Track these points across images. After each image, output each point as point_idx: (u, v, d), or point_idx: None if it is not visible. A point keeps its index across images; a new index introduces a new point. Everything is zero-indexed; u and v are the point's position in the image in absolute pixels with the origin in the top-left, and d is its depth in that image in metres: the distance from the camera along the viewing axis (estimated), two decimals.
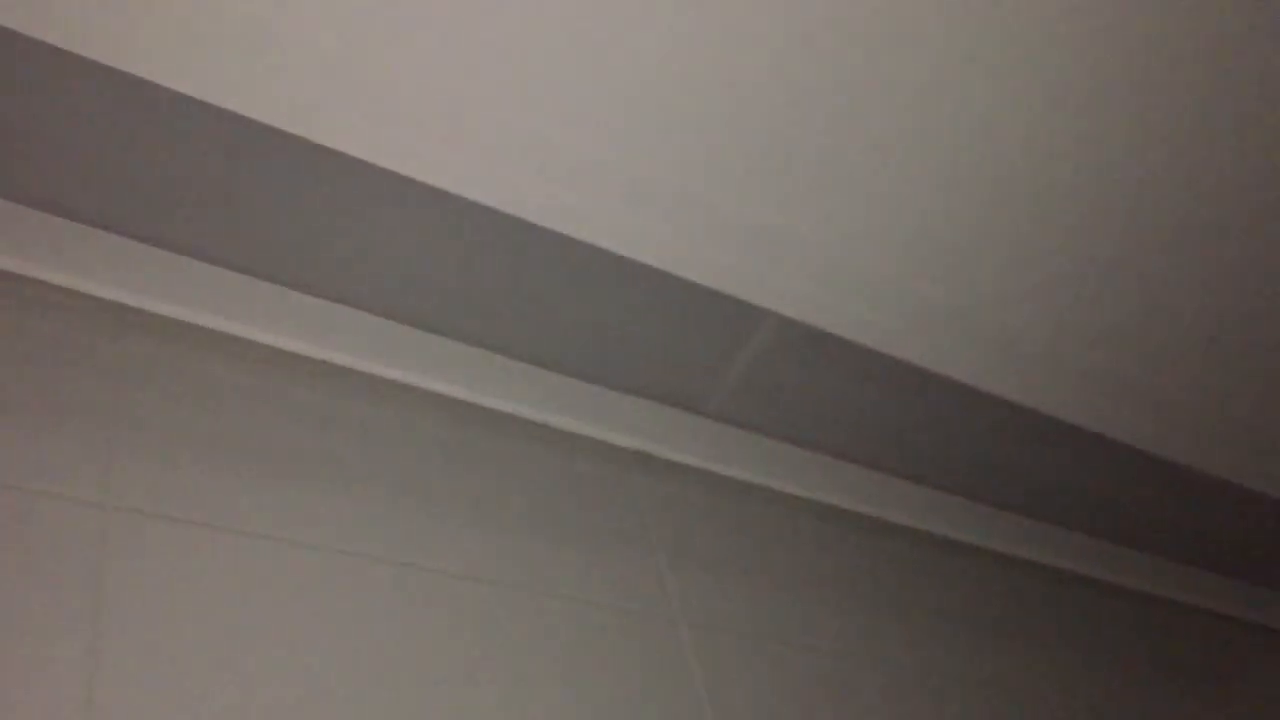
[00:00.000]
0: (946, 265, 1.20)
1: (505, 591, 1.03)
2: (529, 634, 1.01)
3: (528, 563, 1.06)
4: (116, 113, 0.93)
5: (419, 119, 0.96)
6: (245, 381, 1.00)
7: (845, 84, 1.02)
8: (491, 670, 0.97)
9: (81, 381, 0.91)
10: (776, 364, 1.27)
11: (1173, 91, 1.07)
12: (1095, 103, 1.07)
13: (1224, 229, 1.22)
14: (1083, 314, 1.29)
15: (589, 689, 1.01)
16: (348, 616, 0.92)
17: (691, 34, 0.96)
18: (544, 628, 1.02)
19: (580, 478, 1.17)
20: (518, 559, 1.05)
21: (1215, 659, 1.65)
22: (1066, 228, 1.19)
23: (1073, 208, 1.17)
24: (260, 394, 1.00)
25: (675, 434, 1.26)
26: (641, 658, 1.06)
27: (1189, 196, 1.18)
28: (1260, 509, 1.66)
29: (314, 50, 0.89)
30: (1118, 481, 1.57)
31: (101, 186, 0.97)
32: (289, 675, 0.86)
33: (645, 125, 1.01)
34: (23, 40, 0.85)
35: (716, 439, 1.28)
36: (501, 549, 1.05)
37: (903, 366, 1.28)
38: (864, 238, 1.16)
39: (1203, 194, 1.18)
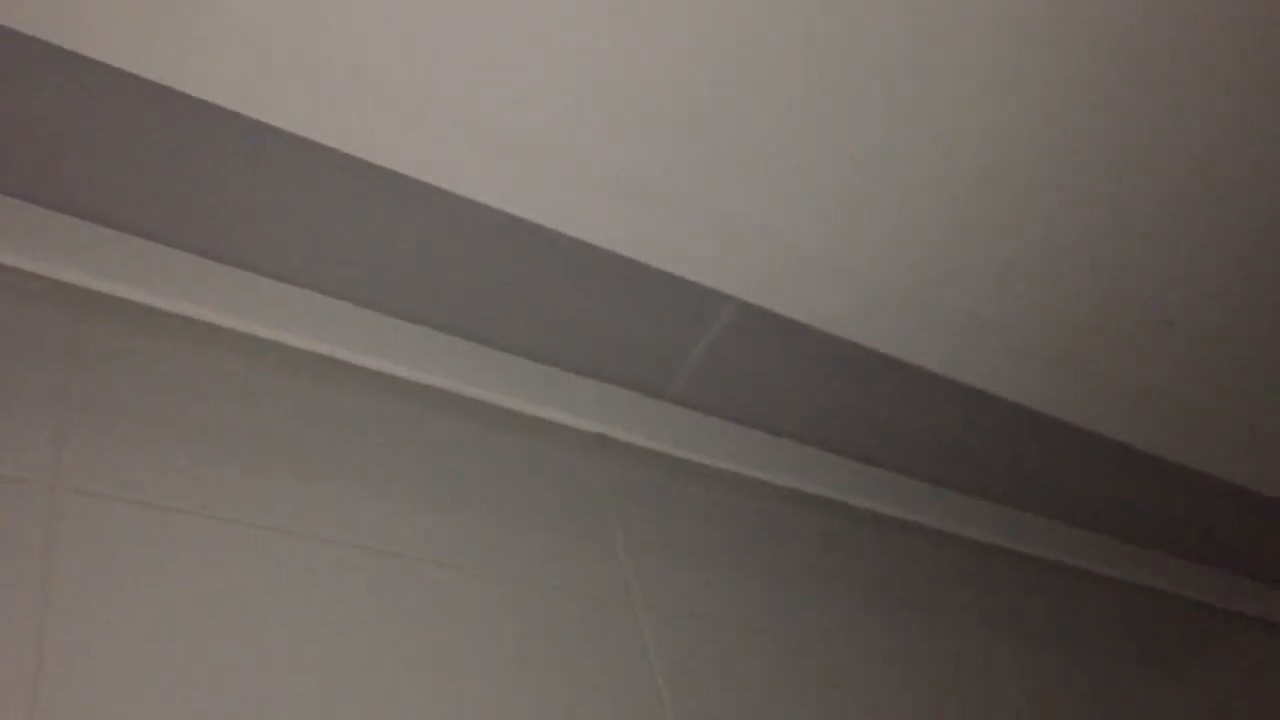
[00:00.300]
0: (910, 251, 1.20)
1: (463, 575, 1.03)
2: (486, 618, 1.01)
3: (486, 546, 1.06)
4: (72, 95, 0.93)
5: (377, 102, 0.96)
6: (199, 364, 1.00)
7: (810, 72, 1.02)
8: (448, 653, 0.97)
9: (33, 363, 0.91)
10: (736, 348, 1.28)
11: (1154, 68, 1.08)
12: (1066, 87, 1.07)
13: (1202, 214, 1.23)
14: (1049, 300, 1.30)
15: (546, 672, 1.01)
16: (301, 600, 0.92)
17: (657, 22, 0.95)
18: (502, 611, 1.03)
19: (540, 461, 1.17)
20: (476, 542, 1.06)
21: (1190, 646, 1.67)
22: (1035, 214, 1.19)
23: (1043, 193, 1.17)
24: (215, 376, 1.00)
25: (635, 418, 1.26)
26: (599, 642, 1.07)
27: (1167, 178, 1.18)
28: (1233, 499, 1.67)
29: (260, 25, 0.89)
30: (1084, 468, 1.58)
31: (56, 168, 0.97)
32: (240, 656, 0.86)
33: (608, 111, 1.01)
34: None
35: (676, 423, 1.29)
36: (460, 533, 1.05)
37: (863, 351, 1.29)
38: (825, 223, 1.16)
39: (1181, 175, 1.18)
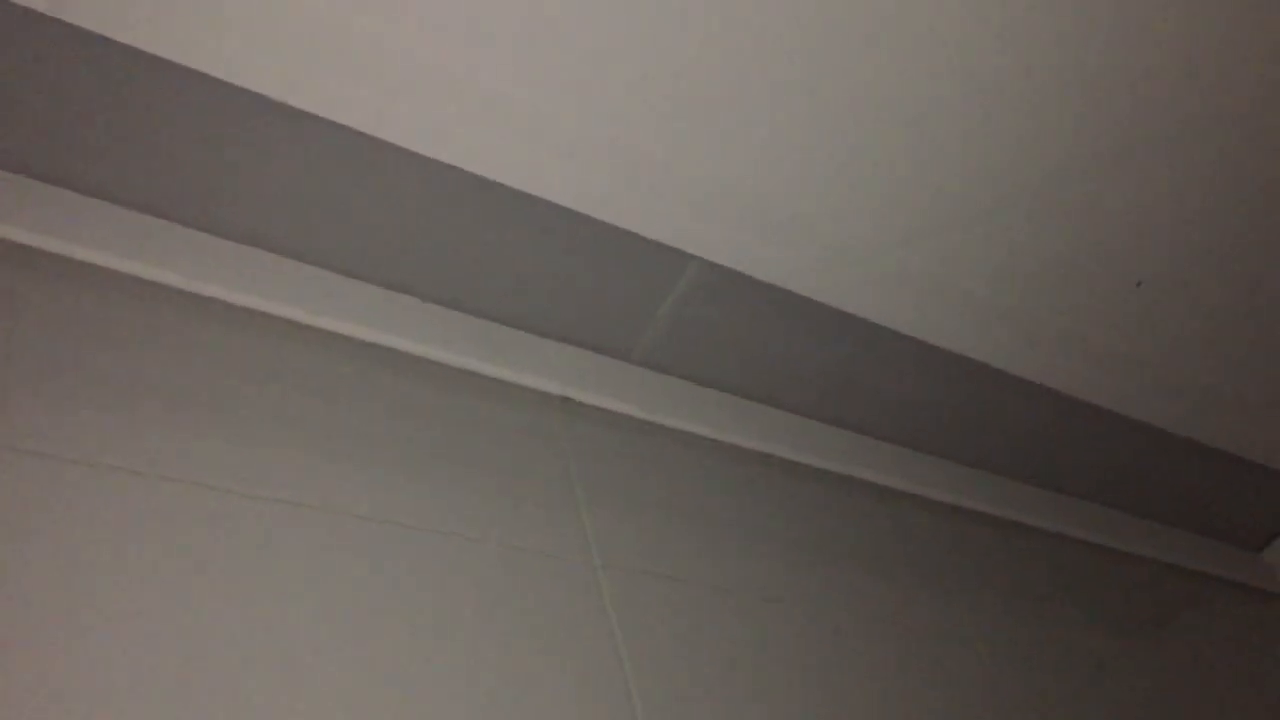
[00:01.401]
0: (874, 211, 1.20)
1: (426, 535, 1.02)
2: (448, 577, 1.01)
3: (448, 507, 1.06)
4: (18, 54, 0.91)
5: (338, 61, 0.95)
6: (144, 322, 0.99)
7: (778, 36, 1.01)
8: (410, 613, 0.97)
9: None
10: (700, 309, 1.27)
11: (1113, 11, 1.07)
12: (1035, 41, 1.07)
13: (1166, 166, 1.22)
14: (1014, 260, 1.29)
15: (507, 631, 1.01)
16: (259, 560, 0.91)
17: None
18: (463, 571, 1.02)
19: (504, 423, 1.16)
20: (438, 503, 1.05)
21: (1166, 610, 1.67)
22: (998, 172, 1.19)
23: (1005, 153, 1.16)
24: (161, 335, 0.99)
25: (600, 379, 1.25)
26: (560, 602, 1.06)
27: (1128, 131, 1.18)
28: (1207, 462, 1.67)
29: None
30: (1054, 429, 1.58)
31: (43, 139, 0.96)
32: (193, 616, 0.86)
33: (573, 72, 1.00)
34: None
35: (640, 385, 1.28)
36: (423, 493, 1.05)
37: (826, 311, 1.28)
38: (788, 183, 1.15)
39: (1143, 126, 1.18)
